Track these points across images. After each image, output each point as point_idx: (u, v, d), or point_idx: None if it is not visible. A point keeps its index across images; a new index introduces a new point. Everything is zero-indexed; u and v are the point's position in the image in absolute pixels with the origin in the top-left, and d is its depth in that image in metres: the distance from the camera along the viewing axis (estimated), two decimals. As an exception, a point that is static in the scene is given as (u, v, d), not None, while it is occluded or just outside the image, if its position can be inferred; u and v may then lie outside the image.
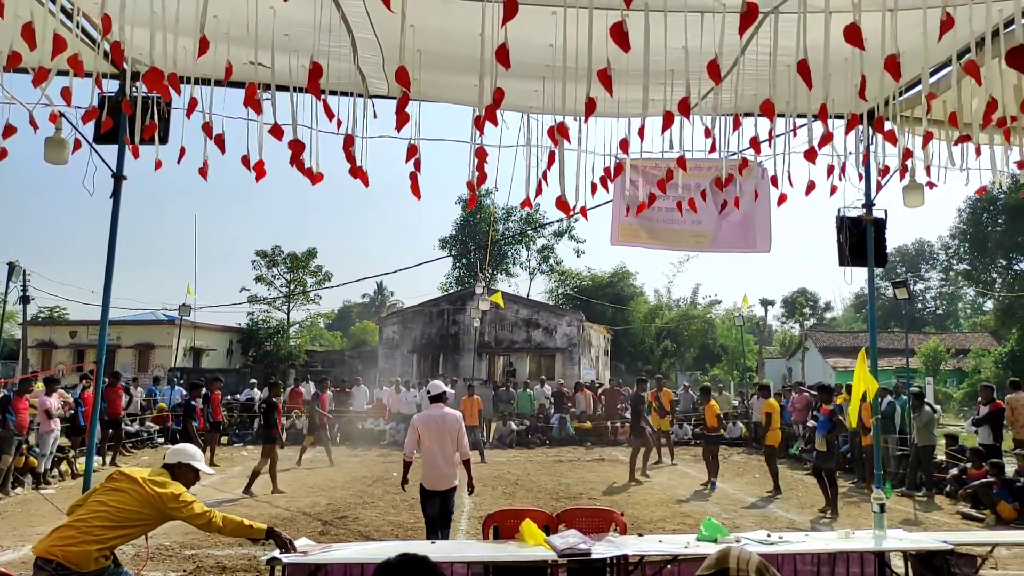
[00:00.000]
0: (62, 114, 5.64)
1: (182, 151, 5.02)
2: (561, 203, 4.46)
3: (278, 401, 12.42)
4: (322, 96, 4.27)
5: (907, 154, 5.59)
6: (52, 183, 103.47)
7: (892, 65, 3.19)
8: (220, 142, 4.69)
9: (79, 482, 11.47)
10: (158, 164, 5.16)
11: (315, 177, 4.99)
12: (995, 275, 45.89)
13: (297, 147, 4.44)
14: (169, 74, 4.30)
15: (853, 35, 3.07)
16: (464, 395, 16.87)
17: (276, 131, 4.60)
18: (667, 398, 15.94)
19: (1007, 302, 40.18)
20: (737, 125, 4.59)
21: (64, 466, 13.00)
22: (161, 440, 18.52)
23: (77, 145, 5.54)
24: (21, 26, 3.32)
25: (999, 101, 3.98)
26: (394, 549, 2.62)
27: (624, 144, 4.84)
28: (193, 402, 12.56)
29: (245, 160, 5.01)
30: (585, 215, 5.23)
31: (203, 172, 5.05)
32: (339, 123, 4.58)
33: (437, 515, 6.69)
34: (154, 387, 21.50)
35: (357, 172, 4.75)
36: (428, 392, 7.21)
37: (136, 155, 4.99)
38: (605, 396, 21.87)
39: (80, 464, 12.91)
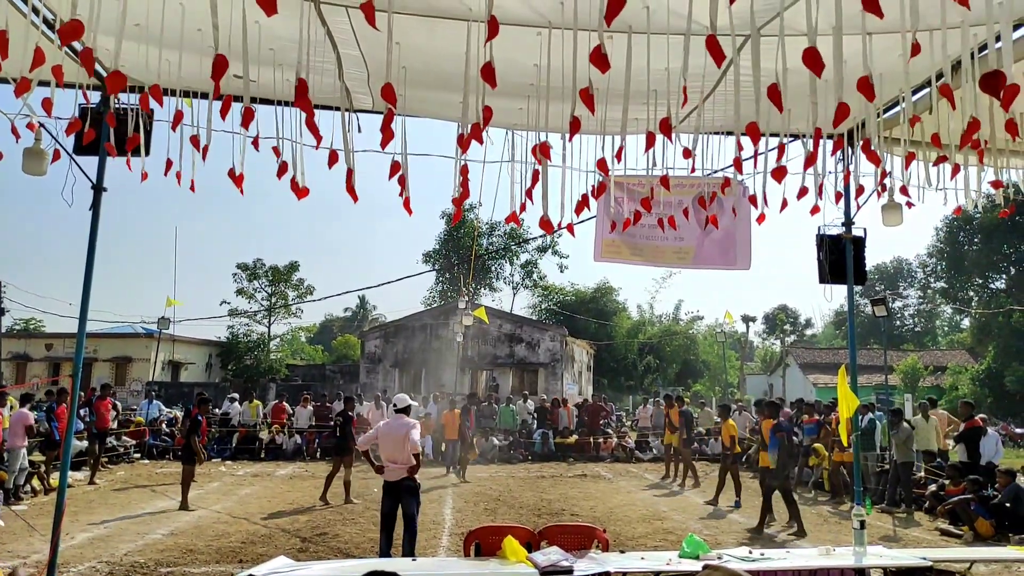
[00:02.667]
0: (42, 124, 5.59)
1: (168, 163, 4.98)
2: (544, 222, 4.47)
3: (353, 415, 12.91)
4: (312, 111, 4.24)
5: (883, 174, 5.68)
6: (29, 193, 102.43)
7: (865, 87, 3.25)
8: (204, 154, 4.68)
9: (52, 497, 11.26)
10: (144, 176, 5.13)
11: (301, 192, 5.00)
12: (972, 293, 46.58)
13: (296, 158, 4.43)
14: (152, 86, 4.29)
15: (812, 59, 3.12)
16: (446, 409, 17.27)
17: (256, 143, 4.63)
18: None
19: (983, 320, 40.78)
20: (740, 147, 4.63)
21: (35, 482, 12.75)
22: (138, 455, 18.25)
23: (56, 156, 5.48)
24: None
25: (980, 122, 4.06)
26: (374, 567, 2.60)
27: (602, 164, 4.87)
28: (200, 417, 12.64)
29: (231, 173, 5.00)
30: (572, 232, 5.25)
31: (192, 186, 5.03)
32: (319, 138, 4.57)
33: (390, 512, 7.20)
34: (147, 403, 21.40)
35: (349, 187, 4.76)
36: (394, 405, 7.70)
37: (129, 167, 4.99)
38: (588, 411, 21.85)
39: (53, 479, 12.68)
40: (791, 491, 10.32)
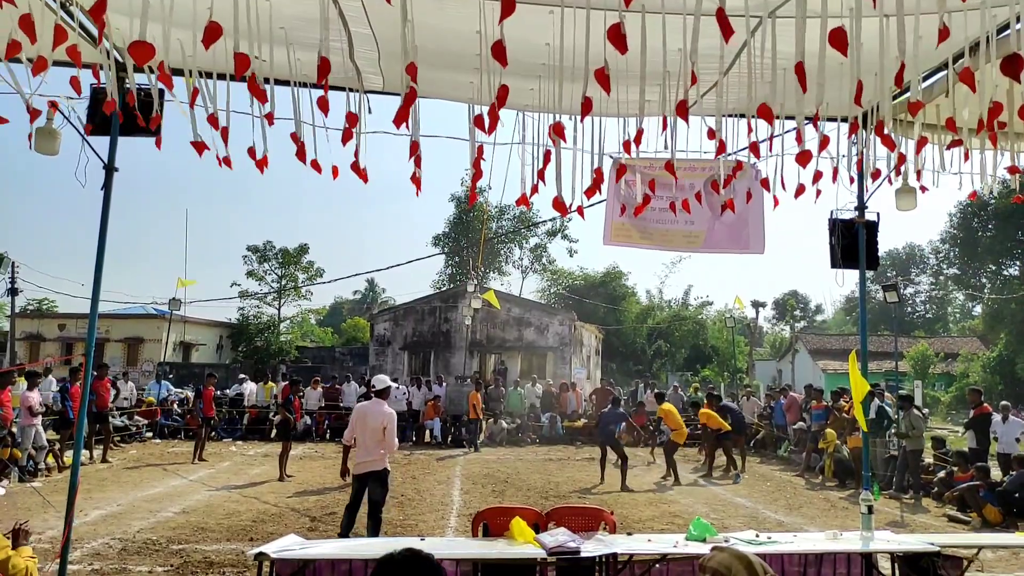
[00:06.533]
0: (55, 104, 5.59)
1: (202, 147, 4.94)
2: (558, 203, 4.45)
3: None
4: (326, 89, 4.21)
5: (901, 159, 5.60)
6: (42, 174, 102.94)
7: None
8: (225, 135, 4.64)
9: (66, 475, 11.40)
10: (203, 148, 5.04)
11: (361, 174, 4.90)
12: (984, 280, 46.19)
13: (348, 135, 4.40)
14: (159, 62, 4.26)
15: (838, 40, 3.08)
16: (471, 390, 18.63)
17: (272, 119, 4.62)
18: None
19: (996, 307, 40.46)
20: (750, 130, 4.58)
21: (50, 459, 12.92)
22: (150, 435, 18.46)
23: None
24: (19, 17, 3.27)
25: (1003, 105, 4.00)
26: (382, 545, 2.62)
27: (628, 147, 4.85)
28: (292, 397, 13.50)
29: (252, 152, 4.95)
30: (582, 214, 5.22)
31: (225, 162, 4.98)
32: (354, 118, 4.49)
33: (355, 498, 7.28)
34: (156, 384, 21.72)
35: (356, 168, 4.73)
36: (373, 386, 7.68)
37: (187, 154, 4.97)
38: (596, 396, 21.88)
39: (67, 458, 12.84)
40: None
